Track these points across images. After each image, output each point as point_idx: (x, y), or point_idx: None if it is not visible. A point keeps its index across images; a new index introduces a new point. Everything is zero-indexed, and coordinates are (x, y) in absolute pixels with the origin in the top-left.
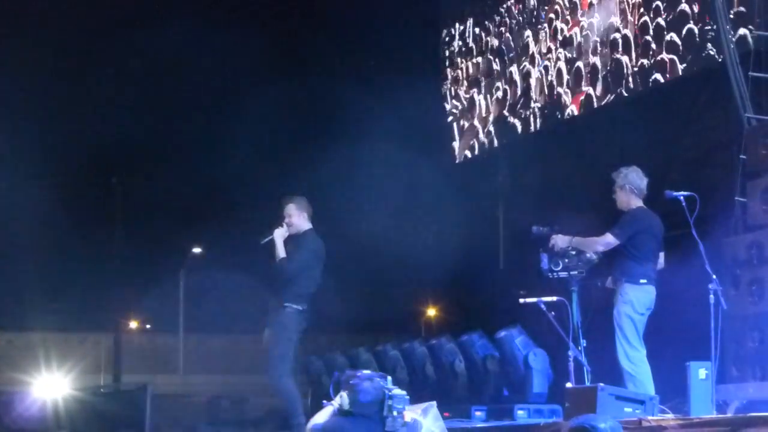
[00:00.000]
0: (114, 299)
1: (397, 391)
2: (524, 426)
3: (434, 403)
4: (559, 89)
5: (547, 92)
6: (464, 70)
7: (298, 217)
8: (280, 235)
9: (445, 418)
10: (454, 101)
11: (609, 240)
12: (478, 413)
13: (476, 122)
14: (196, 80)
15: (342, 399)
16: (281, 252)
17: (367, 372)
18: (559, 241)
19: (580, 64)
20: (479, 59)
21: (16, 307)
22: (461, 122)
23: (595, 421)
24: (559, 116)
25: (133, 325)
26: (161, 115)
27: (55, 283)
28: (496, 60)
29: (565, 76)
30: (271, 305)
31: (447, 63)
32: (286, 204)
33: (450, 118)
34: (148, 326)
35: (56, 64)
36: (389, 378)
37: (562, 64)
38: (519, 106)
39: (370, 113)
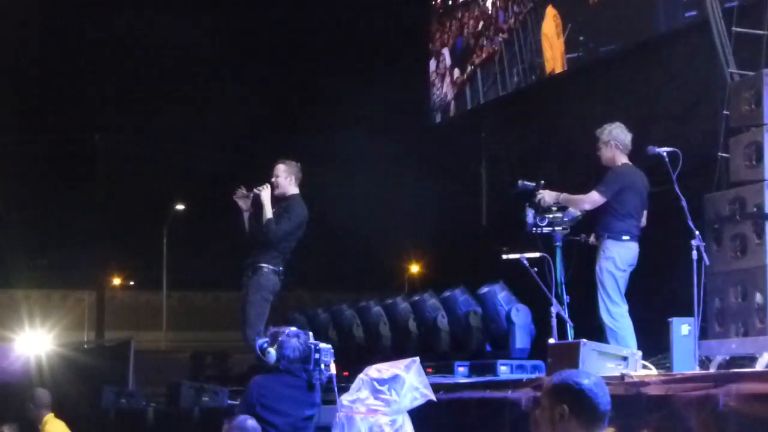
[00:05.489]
0: (97, 256)
1: (323, 345)
2: (507, 381)
3: (417, 358)
4: (543, 46)
5: (531, 50)
6: (450, 27)
7: (284, 179)
8: (266, 195)
9: (428, 374)
10: (439, 58)
11: (595, 198)
12: (461, 369)
13: (461, 78)
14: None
15: (269, 355)
16: (268, 212)
17: (293, 329)
18: (547, 196)
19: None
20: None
21: None
22: (445, 79)
23: (579, 377)
24: (542, 74)
25: (117, 281)
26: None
27: (38, 241)
28: (482, 20)
29: (549, 34)
30: (247, 265)
31: (434, 21)
32: (276, 164)
33: (433, 77)
34: (131, 283)
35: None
36: (311, 333)
37: (545, 23)
38: (503, 63)
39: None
